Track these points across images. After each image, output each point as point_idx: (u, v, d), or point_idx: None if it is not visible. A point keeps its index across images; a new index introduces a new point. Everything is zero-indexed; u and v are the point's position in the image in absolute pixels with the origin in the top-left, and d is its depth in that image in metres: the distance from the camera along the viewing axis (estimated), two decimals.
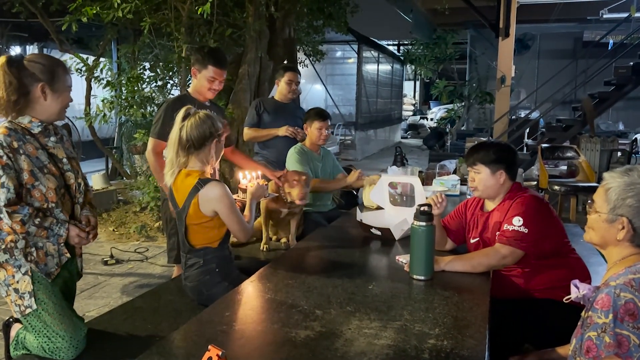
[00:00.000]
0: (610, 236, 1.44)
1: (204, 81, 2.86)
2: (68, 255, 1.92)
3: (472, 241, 2.31)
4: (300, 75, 3.90)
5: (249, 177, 2.55)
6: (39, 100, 1.85)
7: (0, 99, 1.80)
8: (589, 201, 1.52)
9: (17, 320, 2.04)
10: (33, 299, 1.81)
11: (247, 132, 3.82)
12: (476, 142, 2.40)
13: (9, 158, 1.75)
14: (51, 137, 1.93)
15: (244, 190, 2.46)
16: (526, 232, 2.05)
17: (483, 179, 2.22)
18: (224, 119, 2.75)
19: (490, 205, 2.30)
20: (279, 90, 3.88)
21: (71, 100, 1.97)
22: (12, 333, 2.00)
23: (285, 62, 6.58)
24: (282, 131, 3.67)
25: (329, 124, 3.49)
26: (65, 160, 1.95)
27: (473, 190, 2.29)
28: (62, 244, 1.89)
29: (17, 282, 1.82)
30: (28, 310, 1.82)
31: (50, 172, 1.86)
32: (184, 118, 2.12)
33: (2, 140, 1.76)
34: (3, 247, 1.82)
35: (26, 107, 1.85)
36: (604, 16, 11.03)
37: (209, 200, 2.06)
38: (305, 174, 2.87)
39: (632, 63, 8.22)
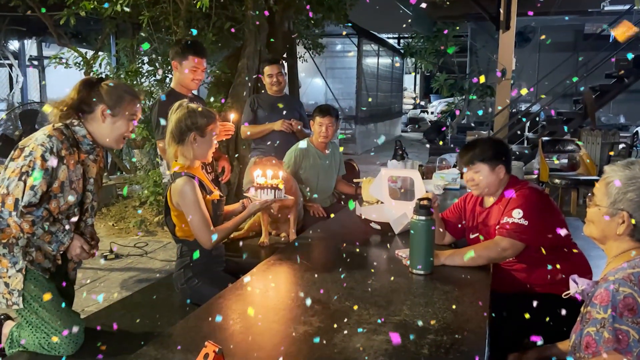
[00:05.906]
0: (610, 230, 1.42)
1: (186, 72, 2.91)
2: (59, 262, 1.92)
3: (471, 236, 2.30)
4: (282, 65, 3.88)
5: (261, 174, 2.36)
6: (98, 121, 1.90)
7: (61, 106, 1.88)
8: (589, 194, 1.50)
9: (8, 318, 2.03)
10: (21, 298, 1.81)
11: (244, 130, 3.84)
12: (465, 145, 2.36)
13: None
14: (90, 155, 1.95)
15: (259, 187, 2.31)
16: (526, 224, 2.04)
17: (484, 176, 2.19)
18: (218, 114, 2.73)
19: (489, 201, 2.28)
20: (265, 85, 3.89)
21: (132, 130, 1.99)
22: (5, 330, 1.99)
23: (285, 55, 6.54)
24: (278, 125, 3.67)
25: (333, 120, 3.40)
26: (92, 180, 1.96)
27: (474, 189, 2.26)
28: (60, 252, 1.88)
29: (10, 277, 1.82)
30: (15, 307, 1.82)
31: (75, 189, 1.87)
32: (174, 111, 2.18)
33: (55, 145, 1.77)
34: (4, 241, 1.81)
35: (85, 121, 1.90)
36: (605, 8, 10.98)
37: (174, 193, 2.11)
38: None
39: (633, 55, 8.19)
